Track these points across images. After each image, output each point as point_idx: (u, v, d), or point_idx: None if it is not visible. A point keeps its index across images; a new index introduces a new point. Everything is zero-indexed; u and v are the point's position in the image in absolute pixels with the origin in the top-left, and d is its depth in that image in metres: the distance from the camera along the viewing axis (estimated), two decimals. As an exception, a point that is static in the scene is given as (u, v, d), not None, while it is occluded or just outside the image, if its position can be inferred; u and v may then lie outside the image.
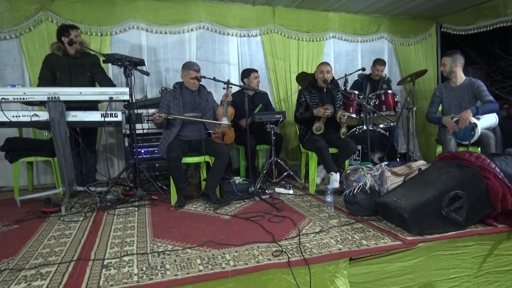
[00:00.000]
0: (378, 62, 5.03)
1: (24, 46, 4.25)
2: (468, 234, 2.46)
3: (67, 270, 2.03)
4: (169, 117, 3.39)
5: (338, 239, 2.43)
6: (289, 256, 2.14)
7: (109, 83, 3.84)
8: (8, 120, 3.05)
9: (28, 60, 4.28)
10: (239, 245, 2.33)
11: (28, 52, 4.27)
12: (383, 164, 3.24)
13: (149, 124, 3.96)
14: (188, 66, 3.56)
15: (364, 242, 2.36)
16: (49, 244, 2.45)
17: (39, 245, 2.45)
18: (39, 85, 3.65)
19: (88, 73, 3.82)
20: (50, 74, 3.67)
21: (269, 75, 5.24)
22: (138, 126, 3.77)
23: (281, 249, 2.24)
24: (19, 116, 3.12)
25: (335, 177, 3.65)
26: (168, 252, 2.26)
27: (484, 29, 5.21)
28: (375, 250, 2.25)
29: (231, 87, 3.61)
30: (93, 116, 3.30)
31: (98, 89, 3.21)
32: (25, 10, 4.18)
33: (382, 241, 2.37)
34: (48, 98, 3.07)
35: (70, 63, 3.73)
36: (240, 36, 5.11)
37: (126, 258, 2.19)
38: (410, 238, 2.38)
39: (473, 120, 3.36)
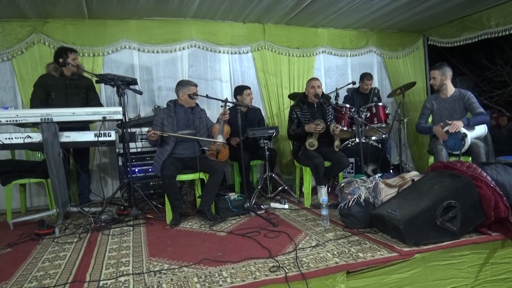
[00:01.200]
0: (366, 77, 5.11)
1: (16, 68, 4.26)
2: (463, 244, 2.48)
3: (62, 293, 2.01)
4: (164, 135, 3.41)
5: (335, 252, 2.43)
6: (286, 271, 2.13)
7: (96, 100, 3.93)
8: (1, 143, 3.04)
9: (21, 82, 4.28)
10: (236, 262, 2.32)
11: (20, 74, 4.28)
12: (376, 176, 3.26)
13: (142, 142, 3.97)
14: (187, 83, 3.63)
15: (360, 254, 2.36)
16: (43, 267, 2.42)
17: (33, 268, 2.41)
18: (32, 104, 3.66)
19: (83, 95, 3.89)
20: (44, 94, 3.70)
21: (261, 90, 5.29)
22: (131, 145, 3.78)
23: (278, 265, 2.23)
24: (12, 138, 3.11)
25: (324, 190, 3.71)
26: (164, 271, 2.24)
27: (470, 41, 5.33)
28: (372, 263, 2.25)
29: (229, 105, 3.64)
30: (87, 136, 3.30)
31: (91, 109, 3.22)
32: (17, 32, 4.21)
33: (379, 253, 2.38)
34: (41, 119, 3.07)
35: (66, 84, 3.78)
36: (232, 53, 5.17)
37: (122, 279, 2.17)
38: (406, 249, 2.39)
39: (463, 130, 3.41)
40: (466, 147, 3.40)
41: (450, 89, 3.82)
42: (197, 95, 3.57)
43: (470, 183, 2.54)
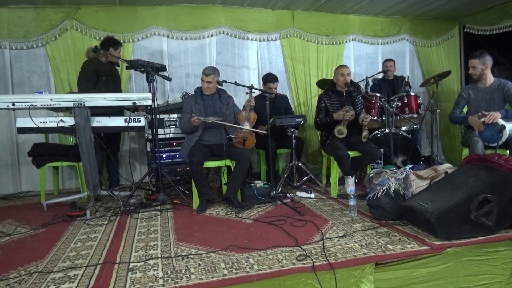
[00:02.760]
0: (386, 61, 5.05)
1: (50, 54, 4.39)
2: (498, 239, 2.38)
3: (94, 273, 2.07)
4: (207, 121, 3.41)
5: (363, 243, 2.39)
6: (314, 260, 2.11)
7: None
8: (36, 126, 3.14)
9: (54, 68, 4.40)
10: (262, 249, 2.32)
11: (54, 60, 4.39)
12: (407, 167, 3.18)
13: (171, 129, 4.00)
14: (203, 70, 3.61)
15: (389, 246, 2.31)
16: (75, 248, 2.50)
17: (66, 248, 2.50)
18: (83, 87, 3.77)
19: (120, 82, 4.13)
20: (95, 78, 3.82)
21: (289, 79, 5.23)
22: (160, 131, 3.82)
23: (305, 254, 2.22)
24: (46, 122, 3.20)
25: (352, 180, 3.64)
26: (192, 256, 2.27)
27: (510, 29, 5.07)
28: (401, 255, 2.20)
29: (254, 92, 3.61)
30: (117, 121, 3.36)
31: (121, 95, 3.28)
32: (51, 19, 4.31)
33: (409, 245, 2.32)
34: (74, 104, 3.14)
35: (112, 70, 3.99)
36: (260, 41, 5.13)
37: (151, 262, 2.21)
38: (437, 243, 2.32)
39: (501, 121, 3.26)
40: (504, 139, 3.24)
41: (490, 79, 3.64)
42: (218, 82, 3.55)
43: (508, 177, 2.43)
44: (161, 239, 2.63)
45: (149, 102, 3.32)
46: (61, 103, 3.15)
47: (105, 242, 2.59)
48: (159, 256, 2.29)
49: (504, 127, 3.23)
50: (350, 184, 3.61)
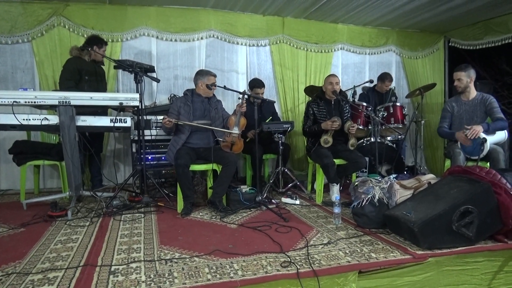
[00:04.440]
0: (387, 78, 4.99)
1: (35, 50, 4.30)
2: (478, 250, 2.43)
3: (75, 276, 2.02)
4: (179, 123, 3.40)
5: (347, 251, 2.41)
6: (298, 267, 2.12)
7: None
8: (19, 123, 3.07)
9: (40, 64, 4.32)
10: (247, 255, 2.31)
11: (39, 56, 4.31)
12: (391, 176, 3.22)
13: (157, 130, 3.97)
14: (207, 73, 3.61)
15: (373, 255, 2.33)
16: (55, 249, 2.44)
17: (46, 249, 2.44)
18: (65, 85, 3.70)
19: (106, 83, 4.08)
20: (77, 77, 3.75)
21: (277, 84, 5.26)
22: (146, 132, 3.78)
23: (289, 260, 2.22)
24: (30, 120, 3.14)
25: (336, 188, 3.67)
26: (175, 260, 2.24)
27: (493, 45, 5.22)
28: (384, 264, 2.22)
29: (246, 98, 3.62)
30: (103, 121, 3.31)
31: (108, 95, 3.23)
32: (38, 14, 4.24)
33: (392, 254, 2.35)
34: (59, 102, 3.08)
35: (96, 69, 3.91)
36: (249, 46, 5.15)
37: (133, 265, 2.17)
38: (419, 252, 2.35)
39: (483, 135, 3.34)
40: (485, 152, 3.33)
41: (473, 92, 3.74)
42: (215, 85, 3.56)
43: (489, 189, 2.49)
44: (144, 242, 2.59)
45: (137, 103, 3.29)
46: (46, 100, 3.09)
47: (86, 244, 2.54)
48: (142, 259, 2.26)
49: (485, 140, 3.31)
50: (335, 191, 3.65)
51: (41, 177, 4.40)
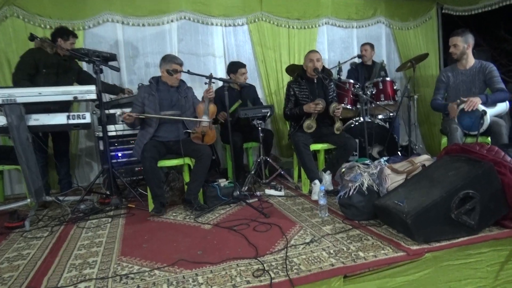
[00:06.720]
0: (362, 45, 4.76)
1: (-13, 44, 3.92)
2: (482, 240, 2.13)
3: (8, 304, 1.72)
4: (140, 116, 3.05)
5: (331, 251, 2.10)
6: (272, 276, 1.81)
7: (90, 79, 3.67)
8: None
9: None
10: (215, 263, 2.00)
11: (-7, 51, 3.93)
12: (382, 160, 2.89)
13: (123, 125, 3.62)
14: (171, 60, 3.23)
15: (361, 254, 2.02)
16: (-1, 269, 2.14)
17: (-13, 270, 2.13)
18: (18, 78, 3.38)
19: (73, 77, 3.71)
20: (33, 69, 3.42)
21: (258, 66, 4.88)
22: (111, 127, 3.45)
23: (263, 268, 1.91)
24: (-26, 122, 2.79)
25: (318, 187, 3.16)
26: (132, 276, 1.93)
27: (489, 8, 4.83)
28: (373, 265, 1.91)
29: (214, 82, 3.26)
30: (58, 119, 2.96)
31: (60, 89, 2.87)
32: (-12, 5, 3.84)
33: (382, 251, 2.04)
34: (2, 100, 2.73)
35: (59, 63, 3.54)
36: (225, 26, 4.75)
37: (82, 285, 1.86)
38: (414, 247, 2.05)
39: (482, 107, 2.99)
40: (485, 127, 2.97)
41: (471, 60, 3.37)
42: (177, 71, 3.18)
43: (491, 169, 2.16)
44: (103, 253, 2.29)
45: (93, 96, 2.93)
46: (-13, 100, 2.74)
47: (36, 261, 2.23)
48: (94, 277, 1.95)
49: (485, 113, 2.96)
50: (328, 181, 3.29)
51: (7, 182, 4.07)
